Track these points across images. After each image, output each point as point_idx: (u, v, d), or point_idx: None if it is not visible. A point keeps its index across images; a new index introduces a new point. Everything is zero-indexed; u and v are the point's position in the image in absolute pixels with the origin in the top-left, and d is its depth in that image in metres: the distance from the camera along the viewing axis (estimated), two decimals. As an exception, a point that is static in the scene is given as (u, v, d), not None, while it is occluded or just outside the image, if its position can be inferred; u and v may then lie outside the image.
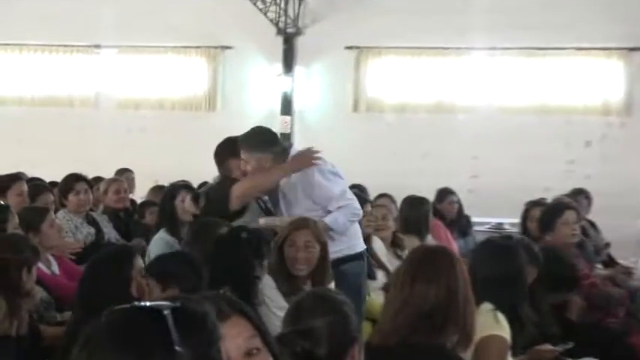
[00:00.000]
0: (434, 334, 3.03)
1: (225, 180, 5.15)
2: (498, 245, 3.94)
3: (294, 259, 4.30)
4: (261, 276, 4.20)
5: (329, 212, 4.91)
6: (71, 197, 6.15)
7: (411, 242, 6.24)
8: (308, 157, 5.02)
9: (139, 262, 3.93)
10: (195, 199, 5.23)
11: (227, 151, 5.28)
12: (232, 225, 4.66)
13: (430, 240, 6.74)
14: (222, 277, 3.89)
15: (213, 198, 5.16)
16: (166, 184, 7.25)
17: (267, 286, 4.24)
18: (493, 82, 11.66)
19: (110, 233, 6.30)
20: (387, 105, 11.95)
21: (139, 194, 8.72)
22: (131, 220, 7.12)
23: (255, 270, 4.11)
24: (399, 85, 11.89)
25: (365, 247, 5.27)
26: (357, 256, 5.13)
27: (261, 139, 5.08)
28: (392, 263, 5.79)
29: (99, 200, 7.09)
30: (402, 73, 11.87)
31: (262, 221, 4.89)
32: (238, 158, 5.11)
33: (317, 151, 5.05)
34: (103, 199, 7.02)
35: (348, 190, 5.18)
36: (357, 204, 5.11)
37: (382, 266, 5.77)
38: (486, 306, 3.57)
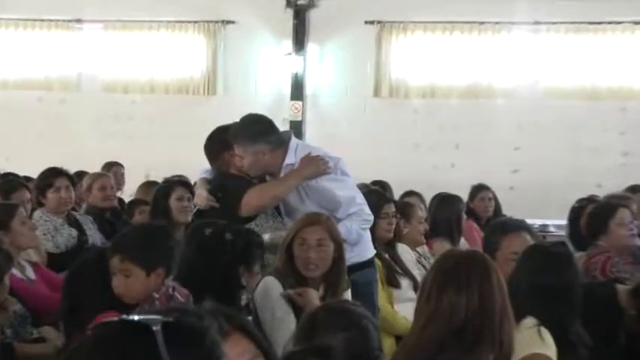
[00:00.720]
0: (464, 352, 3.02)
1: (241, 182, 5.15)
2: (548, 252, 3.93)
3: (305, 258, 4.33)
4: (250, 284, 4.21)
5: (337, 219, 4.92)
6: (50, 195, 6.17)
7: (441, 247, 6.25)
8: (320, 165, 5.04)
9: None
10: (211, 192, 5.23)
11: (220, 143, 5.28)
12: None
13: (463, 244, 6.75)
14: (200, 287, 3.91)
15: (223, 203, 5.19)
16: (159, 179, 7.28)
17: (273, 289, 4.27)
18: (537, 61, 11.62)
19: (95, 236, 6.31)
20: (413, 89, 11.93)
21: (128, 191, 8.75)
22: (119, 220, 7.14)
23: (241, 278, 4.11)
24: (427, 66, 11.87)
25: (375, 252, 5.30)
26: (367, 263, 5.19)
27: (254, 128, 5.11)
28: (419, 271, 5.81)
29: (82, 198, 7.12)
30: (432, 51, 11.85)
31: (267, 237, 4.90)
32: (233, 150, 5.14)
33: (324, 160, 5.06)
34: (86, 197, 7.04)
35: (358, 193, 5.20)
36: (367, 209, 5.17)
37: (408, 274, 5.79)
38: (529, 321, 3.56)
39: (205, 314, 1.53)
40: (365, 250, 5.18)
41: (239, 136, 5.10)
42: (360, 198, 5.18)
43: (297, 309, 4.19)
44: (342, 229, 4.82)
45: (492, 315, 3.05)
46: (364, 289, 4.92)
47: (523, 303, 3.45)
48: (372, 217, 5.21)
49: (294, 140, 5.24)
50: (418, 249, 6.37)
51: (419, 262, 6.07)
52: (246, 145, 5.06)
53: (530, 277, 3.73)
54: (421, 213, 6.71)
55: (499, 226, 4.74)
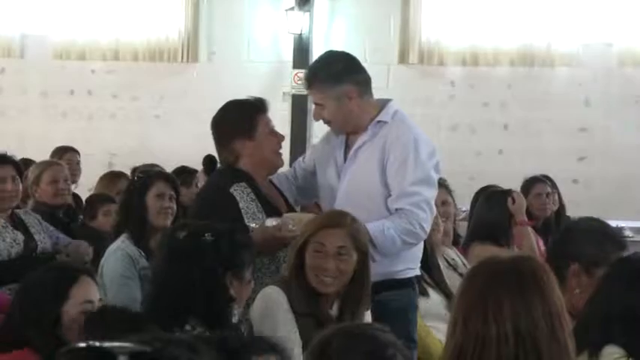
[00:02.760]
0: None
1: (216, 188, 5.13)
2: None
3: (319, 268, 4.33)
4: (242, 295, 4.21)
5: (385, 208, 4.88)
6: (-12, 189, 6.19)
7: (482, 252, 6.25)
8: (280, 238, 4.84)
9: (89, 291, 3.96)
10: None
11: (231, 125, 5.19)
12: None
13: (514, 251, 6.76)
14: (179, 306, 3.91)
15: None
16: (125, 169, 7.29)
17: (277, 302, 4.31)
18: (610, 19, 11.58)
19: (45, 241, 6.32)
20: (450, 54, 11.93)
21: (87, 184, 8.76)
22: (75, 222, 7.16)
23: (229, 288, 4.11)
24: (468, 25, 11.86)
25: (419, 272, 5.26)
26: (404, 283, 5.10)
27: (337, 65, 5.11)
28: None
29: (28, 193, 7.13)
30: (474, 6, 11.83)
31: (252, 227, 4.88)
32: (249, 137, 5.03)
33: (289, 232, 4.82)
34: (33, 192, 7.06)
35: (427, 198, 4.97)
36: (426, 221, 4.95)
37: (442, 288, 5.80)
38: (611, 349, 3.54)
39: (202, 347, 1.52)
40: (406, 266, 5.06)
41: (317, 75, 5.10)
42: (427, 204, 4.97)
43: (303, 327, 4.22)
44: (375, 227, 4.75)
45: (538, 347, 2.97)
46: (394, 315, 4.71)
47: (603, 329, 3.47)
48: (424, 234, 5.03)
49: (394, 103, 5.19)
50: (451, 255, 6.39)
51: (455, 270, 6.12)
52: (326, 85, 5.04)
53: (613, 298, 3.72)
54: (450, 209, 6.67)
55: (610, 238, 4.70)
